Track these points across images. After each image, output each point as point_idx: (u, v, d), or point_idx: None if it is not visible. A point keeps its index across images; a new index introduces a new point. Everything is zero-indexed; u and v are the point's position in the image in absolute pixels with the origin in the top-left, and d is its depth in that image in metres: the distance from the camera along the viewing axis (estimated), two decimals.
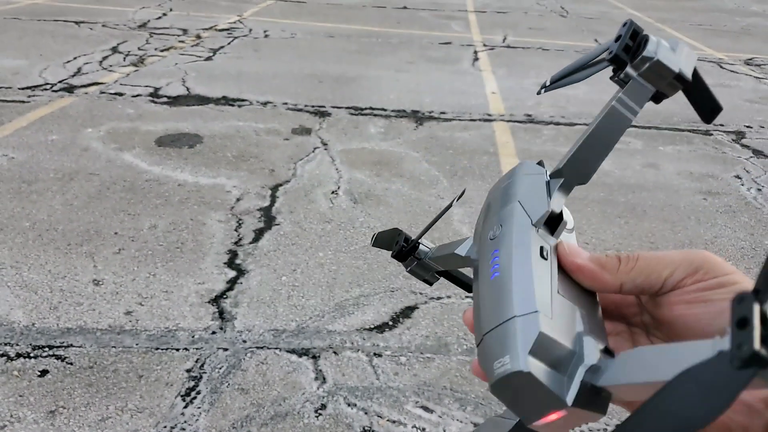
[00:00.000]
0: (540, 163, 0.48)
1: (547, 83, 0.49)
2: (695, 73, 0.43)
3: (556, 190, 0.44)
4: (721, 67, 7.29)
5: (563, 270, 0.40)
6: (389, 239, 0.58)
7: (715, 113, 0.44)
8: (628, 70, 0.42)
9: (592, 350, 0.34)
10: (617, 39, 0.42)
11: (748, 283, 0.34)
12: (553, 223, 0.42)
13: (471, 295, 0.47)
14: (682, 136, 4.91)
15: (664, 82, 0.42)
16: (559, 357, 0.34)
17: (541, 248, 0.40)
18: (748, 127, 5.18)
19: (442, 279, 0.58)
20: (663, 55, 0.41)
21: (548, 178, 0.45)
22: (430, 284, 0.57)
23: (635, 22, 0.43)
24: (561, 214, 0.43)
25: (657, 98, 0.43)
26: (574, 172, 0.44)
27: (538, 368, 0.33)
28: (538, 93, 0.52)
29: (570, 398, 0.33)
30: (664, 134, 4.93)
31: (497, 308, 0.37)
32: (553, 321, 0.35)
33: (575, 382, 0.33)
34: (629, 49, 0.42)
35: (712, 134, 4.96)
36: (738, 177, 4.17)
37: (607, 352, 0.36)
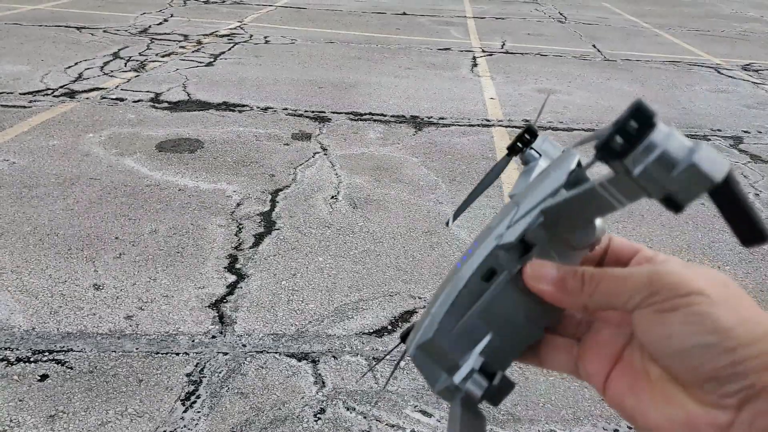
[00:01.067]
0: (579, 166, 0.42)
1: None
2: (729, 181, 0.32)
3: (531, 221, 0.40)
4: (718, 72, 7.33)
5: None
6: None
7: (755, 238, 0.33)
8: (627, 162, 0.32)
9: (465, 369, 0.42)
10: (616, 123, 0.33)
11: (703, 302, 0.34)
12: (526, 247, 0.40)
13: None
14: None
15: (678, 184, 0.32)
16: (441, 359, 0.43)
17: (491, 270, 0.41)
18: (745, 132, 5.21)
19: None
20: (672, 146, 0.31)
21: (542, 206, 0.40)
22: None
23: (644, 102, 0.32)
24: (532, 244, 0.41)
25: (672, 205, 0.32)
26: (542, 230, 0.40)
27: (421, 358, 0.43)
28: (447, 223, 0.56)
29: (436, 389, 0.43)
30: None
31: (435, 298, 0.43)
32: (450, 334, 0.42)
33: (440, 380, 0.43)
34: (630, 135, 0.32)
35: (710, 139, 4.98)
36: None
37: (486, 374, 0.42)
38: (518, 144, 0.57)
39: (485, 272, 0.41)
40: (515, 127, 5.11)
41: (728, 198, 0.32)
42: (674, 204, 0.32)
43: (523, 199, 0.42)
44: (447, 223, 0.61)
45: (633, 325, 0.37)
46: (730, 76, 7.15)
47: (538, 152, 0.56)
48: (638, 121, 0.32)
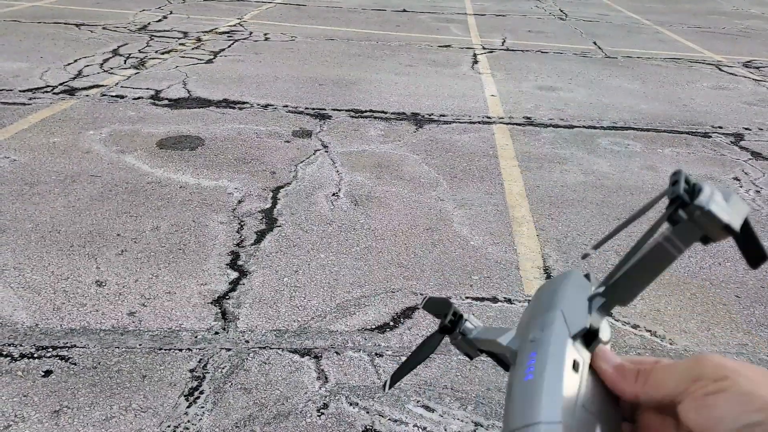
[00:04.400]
0: (587, 276, 0.52)
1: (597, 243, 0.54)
2: (746, 223, 0.45)
3: (596, 309, 0.47)
4: (719, 69, 7.33)
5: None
6: (439, 307, 0.63)
7: (760, 261, 0.47)
8: (681, 213, 0.44)
9: None
10: (673, 183, 0.45)
11: (744, 382, 0.37)
12: (589, 337, 0.45)
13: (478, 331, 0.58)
14: (680, 138, 4.94)
15: (712, 229, 0.43)
16: None
17: (575, 361, 0.44)
18: (746, 129, 5.21)
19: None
20: (715, 205, 0.43)
21: (592, 292, 0.49)
22: (471, 358, 0.62)
23: (684, 172, 0.45)
24: (598, 330, 0.46)
25: (705, 240, 0.45)
26: (616, 295, 0.48)
27: None
28: (584, 256, 0.58)
29: None
30: (663, 136, 4.96)
31: (526, 410, 0.41)
32: None
33: None
34: (685, 193, 0.44)
35: (710, 136, 4.99)
36: (737, 179, 4.19)
37: None
38: (448, 324, 0.61)
39: (573, 364, 0.44)
40: (516, 124, 5.11)
41: (744, 236, 0.45)
42: (708, 240, 0.45)
43: (552, 309, 0.48)
44: (384, 387, 0.67)
45: (682, 417, 0.38)
46: (731, 73, 7.15)
47: (472, 324, 0.61)
48: (688, 187, 0.44)
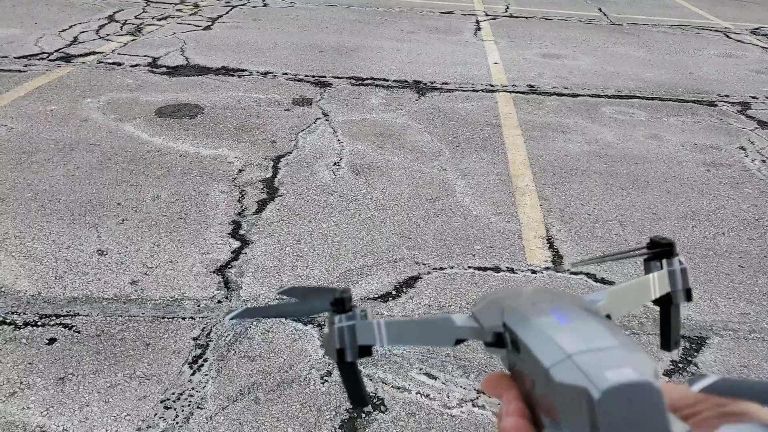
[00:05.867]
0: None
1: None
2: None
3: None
4: (727, 36, 7.21)
5: None
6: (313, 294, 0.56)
7: (677, 345, 0.50)
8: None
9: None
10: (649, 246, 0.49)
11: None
12: None
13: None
14: (686, 107, 4.88)
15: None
16: None
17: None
18: (753, 98, 5.15)
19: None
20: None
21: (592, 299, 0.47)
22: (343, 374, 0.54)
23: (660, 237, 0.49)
24: None
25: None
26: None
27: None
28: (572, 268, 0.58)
29: None
30: (668, 105, 4.90)
31: (574, 341, 0.37)
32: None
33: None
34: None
35: (717, 105, 4.93)
36: (742, 148, 4.15)
37: None
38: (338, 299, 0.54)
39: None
40: (520, 92, 5.04)
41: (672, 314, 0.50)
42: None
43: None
44: (229, 314, 0.61)
45: None
46: (738, 41, 7.03)
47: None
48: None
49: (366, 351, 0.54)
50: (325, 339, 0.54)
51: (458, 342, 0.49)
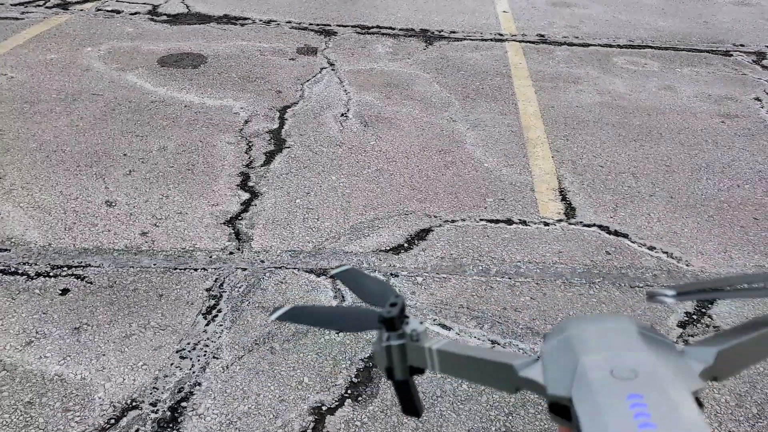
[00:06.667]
0: (650, 328, 0.45)
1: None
2: None
3: (700, 372, 0.42)
4: None
5: None
6: (368, 286, 0.58)
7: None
8: None
9: None
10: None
11: None
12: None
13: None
14: (700, 57, 4.76)
15: None
16: None
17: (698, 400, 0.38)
18: None
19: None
20: None
21: (694, 351, 0.43)
22: (392, 379, 0.54)
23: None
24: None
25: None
26: (724, 365, 0.43)
27: None
28: (651, 296, 0.48)
29: None
30: (681, 55, 4.77)
31: None
32: None
33: None
34: None
35: (732, 55, 4.81)
36: (758, 99, 4.07)
37: None
38: (387, 315, 0.51)
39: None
40: (529, 41, 4.91)
41: None
42: None
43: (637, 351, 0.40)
44: (273, 314, 0.56)
45: None
46: None
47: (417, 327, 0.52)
48: None
49: (418, 370, 0.49)
50: (375, 353, 0.49)
51: (519, 390, 0.43)
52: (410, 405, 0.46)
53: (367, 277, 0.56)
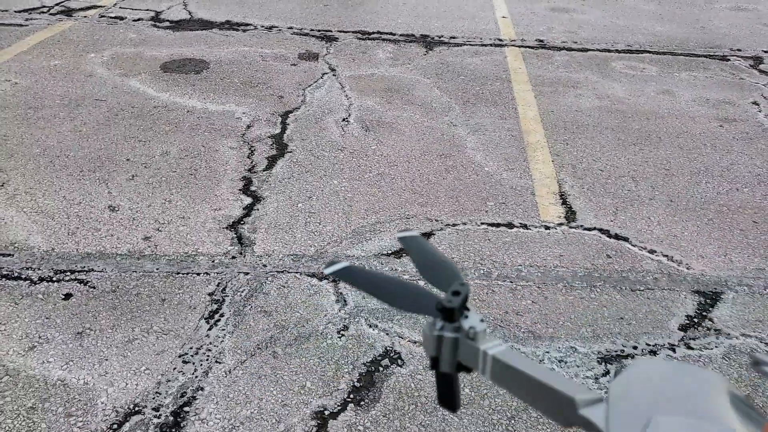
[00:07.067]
0: (743, 400, 0.42)
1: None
2: None
3: None
4: None
5: None
6: (437, 270, 0.56)
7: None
8: None
9: None
10: None
11: None
12: None
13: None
14: (698, 61, 4.78)
15: None
16: None
17: None
18: (766, 52, 5.04)
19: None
20: None
21: None
22: (437, 370, 0.51)
23: None
24: None
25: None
26: None
27: None
28: (755, 363, 0.44)
29: None
30: (679, 60, 4.80)
31: None
32: None
33: None
34: None
35: (729, 60, 4.83)
36: (755, 103, 4.09)
37: None
38: (448, 305, 0.48)
39: None
40: (529, 47, 4.94)
41: None
42: None
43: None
44: (328, 267, 0.54)
45: None
46: None
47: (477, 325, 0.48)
48: None
49: (466, 368, 0.45)
50: (425, 337, 0.45)
51: (572, 426, 0.39)
52: (449, 398, 0.43)
53: (434, 253, 0.51)
